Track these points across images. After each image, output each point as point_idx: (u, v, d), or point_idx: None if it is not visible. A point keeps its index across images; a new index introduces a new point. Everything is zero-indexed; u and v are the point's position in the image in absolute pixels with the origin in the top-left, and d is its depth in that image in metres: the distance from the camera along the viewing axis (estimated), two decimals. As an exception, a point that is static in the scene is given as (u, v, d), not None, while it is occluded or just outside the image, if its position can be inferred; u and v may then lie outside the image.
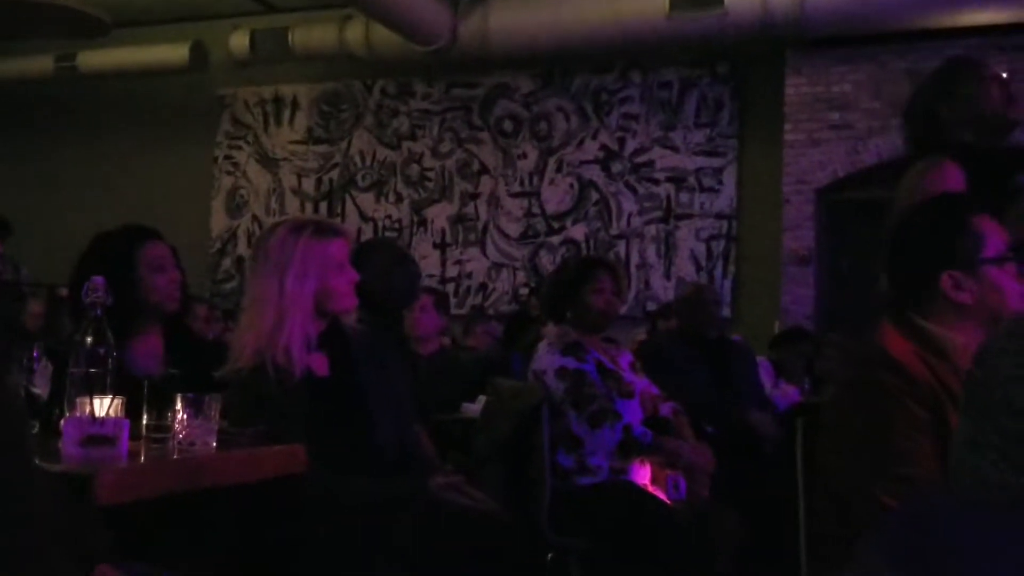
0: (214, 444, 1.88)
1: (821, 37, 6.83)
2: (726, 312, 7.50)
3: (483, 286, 8.35)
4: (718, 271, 7.63)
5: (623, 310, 7.55)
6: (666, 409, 3.37)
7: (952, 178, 2.42)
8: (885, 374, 1.72)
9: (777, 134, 7.18)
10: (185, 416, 1.80)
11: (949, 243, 1.80)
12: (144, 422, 1.80)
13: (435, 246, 8.53)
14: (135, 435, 1.76)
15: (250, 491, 2.09)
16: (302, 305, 2.19)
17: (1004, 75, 2.69)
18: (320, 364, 2.28)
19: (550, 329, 3.38)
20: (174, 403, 1.79)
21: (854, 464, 1.73)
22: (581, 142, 8.13)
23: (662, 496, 3.11)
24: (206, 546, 2.10)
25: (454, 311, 8.21)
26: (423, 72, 8.45)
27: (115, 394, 1.70)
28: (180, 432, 1.80)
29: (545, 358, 3.25)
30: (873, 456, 1.68)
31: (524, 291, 7.99)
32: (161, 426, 1.80)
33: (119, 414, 1.68)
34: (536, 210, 8.24)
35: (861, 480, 1.68)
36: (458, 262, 8.45)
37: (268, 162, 9.08)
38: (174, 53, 8.66)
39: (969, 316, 1.75)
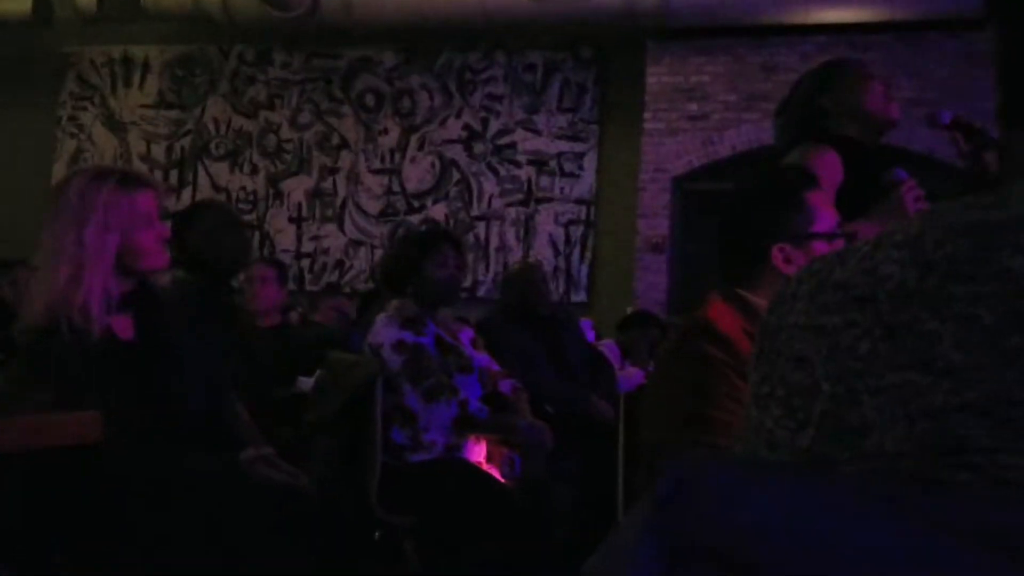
0: (-10, 409, 1.71)
1: (682, 28, 6.93)
2: (582, 296, 7.56)
3: (340, 263, 8.16)
4: (575, 256, 7.66)
5: (481, 292, 7.54)
6: (506, 386, 3.32)
7: (832, 163, 2.45)
8: (708, 345, 1.70)
9: (637, 122, 7.25)
10: (-48, 375, 1.62)
11: (780, 217, 1.80)
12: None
13: (291, 220, 8.28)
14: None
15: (40, 461, 1.93)
16: (103, 260, 2.02)
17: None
18: (124, 326, 2.11)
19: (391, 303, 3.28)
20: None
21: (671, 435, 1.71)
22: (444, 121, 8.03)
23: (496, 474, 3.06)
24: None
25: (309, 287, 8.01)
26: (283, 40, 8.17)
27: None
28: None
29: (383, 331, 3.14)
30: (690, 427, 1.65)
31: (381, 270, 7.84)
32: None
33: None
34: (396, 188, 8.09)
35: (677, 452, 1.66)
36: (315, 237, 8.22)
37: (115, 126, 8.61)
38: (16, 6, 8.09)
39: None
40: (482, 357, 3.31)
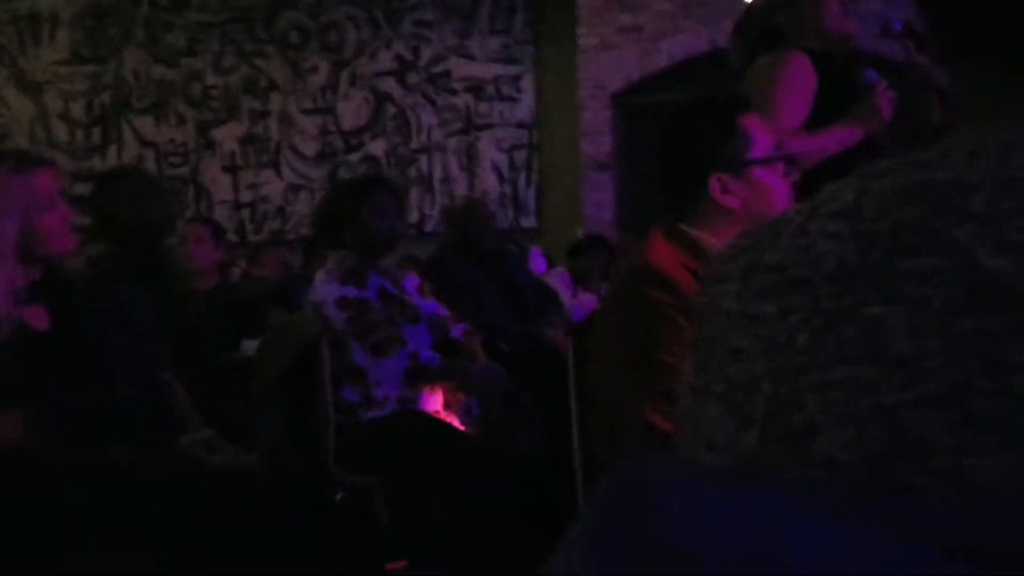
0: None
1: (610, -63, 6.72)
2: (532, 221, 7.46)
3: (280, 210, 7.95)
4: (521, 181, 7.53)
5: (428, 227, 7.40)
6: (457, 331, 3.24)
7: (806, 67, 2.43)
8: (650, 288, 1.65)
9: (571, 39, 7.07)
10: None
11: (714, 145, 1.72)
12: None
13: (225, 170, 8.02)
14: None
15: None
16: (3, 250, 1.88)
17: None
18: (37, 317, 1.97)
19: (330, 256, 3.15)
20: None
21: (620, 381, 1.66)
22: (374, 53, 7.77)
23: (455, 422, 3.00)
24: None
25: (251, 237, 7.81)
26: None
27: None
28: None
29: (323, 288, 3.02)
30: (638, 373, 1.60)
31: (324, 213, 7.64)
32: None
33: None
34: (332, 127, 7.85)
35: (627, 398, 1.61)
36: (252, 186, 7.99)
37: (29, 87, 8.22)
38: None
39: (737, 222, 1.68)
40: (429, 304, 3.22)
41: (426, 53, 7.65)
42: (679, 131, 1.87)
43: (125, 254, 2.91)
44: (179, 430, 2.03)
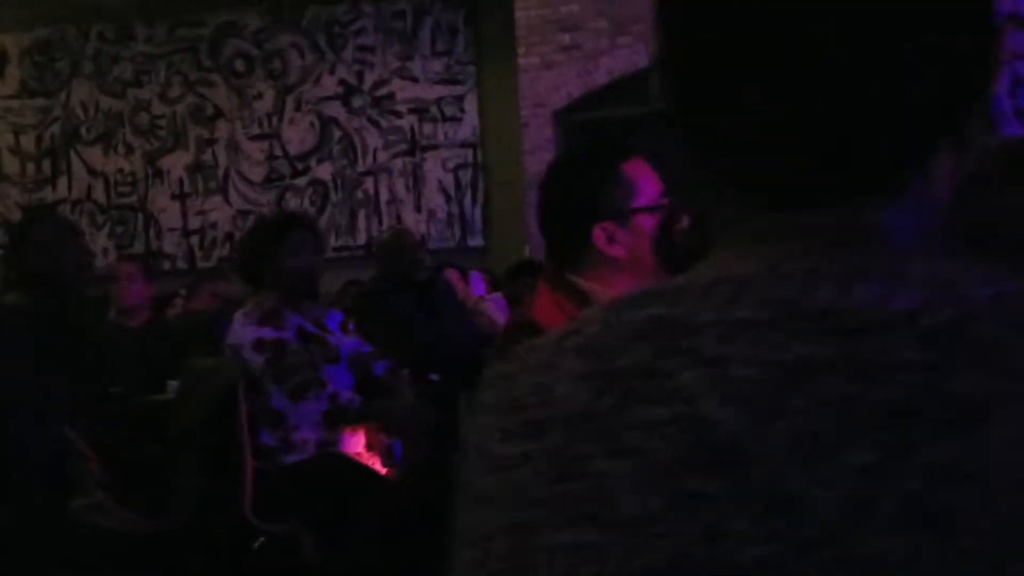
0: None
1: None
2: (479, 240, 7.50)
3: (230, 236, 7.94)
4: (467, 200, 7.58)
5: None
6: (380, 369, 3.25)
7: None
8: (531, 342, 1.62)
9: (512, 58, 7.12)
10: None
11: (598, 194, 1.67)
12: None
13: (174, 197, 8.02)
14: None
15: None
16: None
17: None
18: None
19: (249, 299, 3.17)
20: None
21: None
22: (318, 78, 7.79)
23: (378, 464, 3.01)
24: None
25: (201, 264, 7.80)
26: (142, 13, 7.83)
27: None
28: None
29: (241, 331, 3.03)
30: None
31: (274, 238, 7.64)
32: None
33: None
34: (278, 152, 7.87)
35: None
36: (200, 212, 7.99)
37: (-23, 122, 8.20)
38: None
39: (625, 270, 1.65)
40: (351, 341, 3.23)
41: (369, 77, 7.69)
42: (555, 181, 1.85)
43: (35, 306, 2.91)
44: (71, 494, 2.05)
